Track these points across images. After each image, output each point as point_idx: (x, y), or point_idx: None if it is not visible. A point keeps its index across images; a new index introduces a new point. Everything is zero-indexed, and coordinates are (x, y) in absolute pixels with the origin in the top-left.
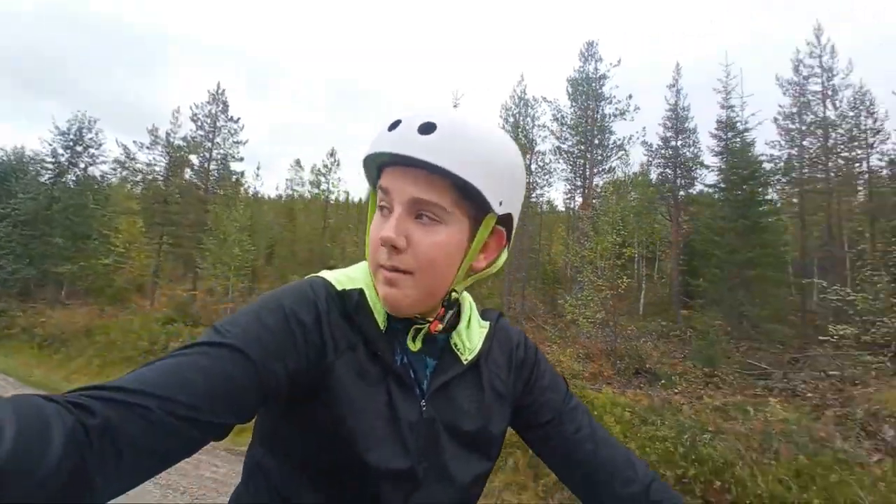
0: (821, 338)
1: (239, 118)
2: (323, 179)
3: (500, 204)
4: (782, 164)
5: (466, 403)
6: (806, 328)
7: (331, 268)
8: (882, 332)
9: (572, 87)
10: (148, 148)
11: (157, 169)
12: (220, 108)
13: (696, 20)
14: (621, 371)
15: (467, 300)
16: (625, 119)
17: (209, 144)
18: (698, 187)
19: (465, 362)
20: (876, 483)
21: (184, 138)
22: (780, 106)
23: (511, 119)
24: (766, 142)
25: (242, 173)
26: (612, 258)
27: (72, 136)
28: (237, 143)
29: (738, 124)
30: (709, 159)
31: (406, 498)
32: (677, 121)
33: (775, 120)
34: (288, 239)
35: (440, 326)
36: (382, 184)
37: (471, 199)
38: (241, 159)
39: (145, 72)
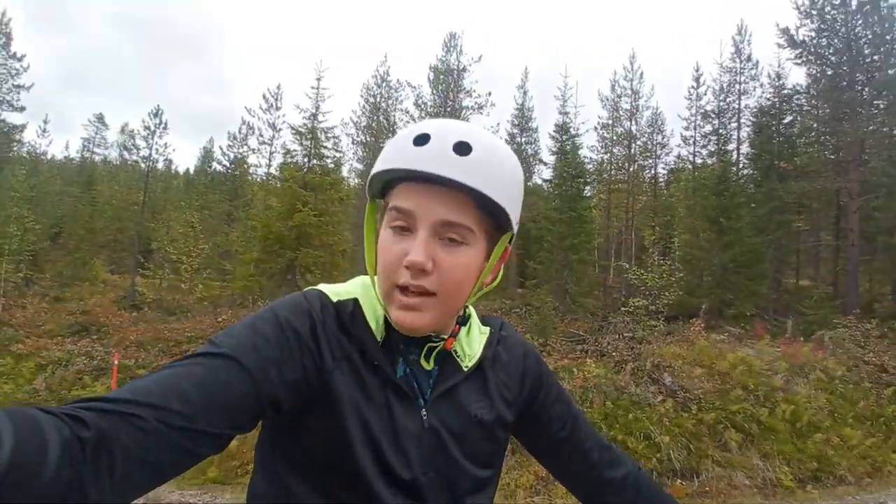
0: (622, 308)
1: (24, 55)
2: (144, 144)
3: (515, 223)
4: (598, 165)
5: (471, 409)
6: (607, 300)
7: (151, 252)
8: (663, 302)
9: (434, 74)
10: None
11: None
12: None
13: (547, 27)
14: None
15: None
16: (482, 113)
17: None
18: (537, 180)
19: (465, 369)
20: (661, 419)
21: None
22: (599, 117)
23: (371, 100)
24: (588, 146)
25: (23, 128)
26: None
27: None
28: (18, 87)
29: (572, 129)
30: (546, 157)
31: (411, 500)
32: (523, 119)
33: (596, 128)
34: (84, 214)
35: (454, 343)
36: (401, 204)
37: (491, 218)
38: (22, 109)
39: None
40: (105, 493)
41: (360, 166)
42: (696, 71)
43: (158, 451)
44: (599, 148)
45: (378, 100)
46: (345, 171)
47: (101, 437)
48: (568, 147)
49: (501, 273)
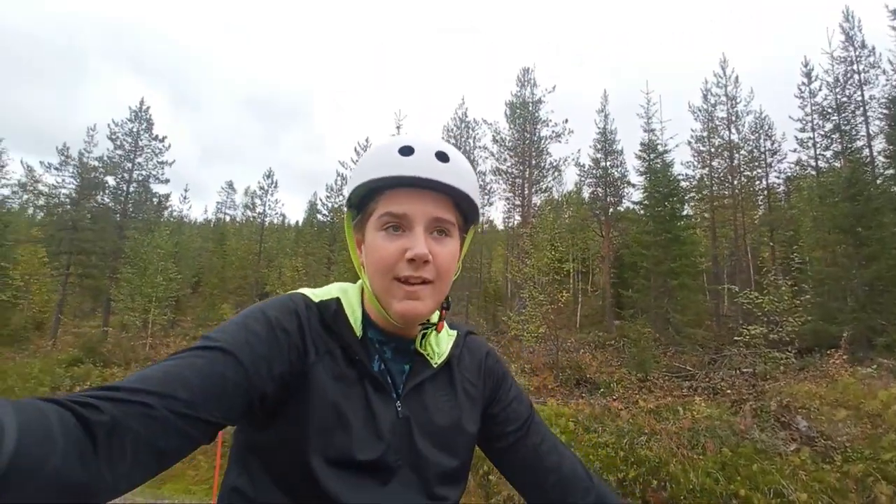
0: (735, 338)
1: (164, 137)
2: (259, 202)
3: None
4: (696, 182)
5: (439, 402)
6: (721, 330)
7: (266, 295)
8: (787, 329)
9: (510, 110)
10: (57, 169)
11: (63, 192)
12: (143, 126)
13: (623, 46)
14: (563, 382)
15: None
16: (560, 141)
17: (129, 165)
18: (626, 204)
19: (434, 365)
20: (795, 471)
21: (99, 158)
22: (692, 130)
23: (452, 140)
24: (682, 162)
25: (167, 196)
26: (550, 273)
27: None
28: (162, 163)
29: (659, 146)
30: (634, 178)
31: (383, 485)
32: (606, 143)
33: (689, 142)
34: (217, 265)
35: (426, 342)
36: (393, 209)
37: (462, 214)
38: (167, 181)
39: (62, 89)
40: (119, 477)
41: None
42: (806, 66)
43: (166, 437)
44: (695, 163)
45: (458, 140)
46: None
47: (115, 424)
48: (657, 165)
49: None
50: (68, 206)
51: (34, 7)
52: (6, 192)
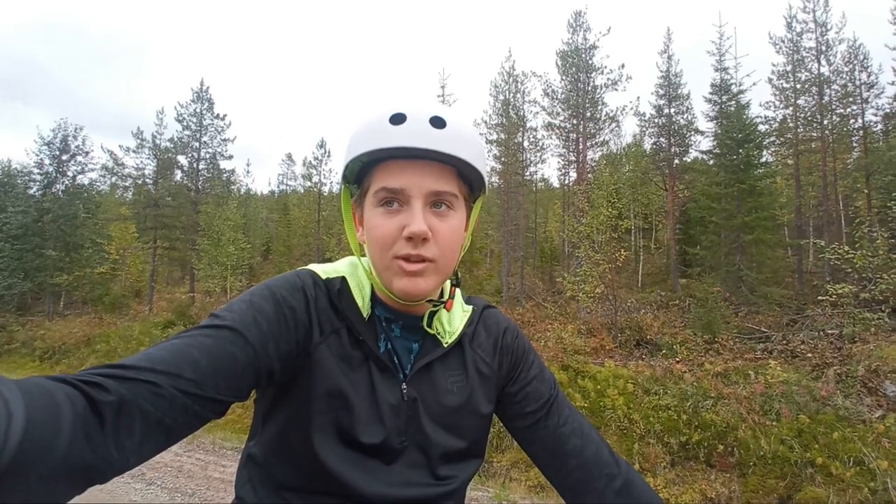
0: (819, 298)
1: (225, 115)
2: (314, 171)
3: (487, 184)
4: (777, 124)
5: (448, 384)
6: (804, 289)
7: (328, 260)
8: (881, 287)
9: (562, 59)
10: (134, 152)
11: (146, 173)
12: (205, 107)
13: None
14: (622, 344)
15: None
16: (616, 90)
17: (196, 144)
18: (693, 154)
19: (445, 345)
20: (879, 439)
21: (170, 140)
22: (773, 65)
23: (501, 97)
24: (760, 103)
25: (233, 171)
26: (608, 231)
27: (57, 146)
28: (225, 140)
29: (733, 86)
30: (703, 125)
31: (387, 465)
32: (670, 88)
33: (769, 80)
34: (283, 234)
35: (435, 320)
36: (389, 184)
37: (465, 184)
38: (231, 157)
39: (132, 74)
40: (127, 453)
41: (497, 165)
42: None
43: (173, 414)
44: (777, 103)
45: (506, 96)
46: None
47: (123, 402)
48: (730, 108)
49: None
50: (149, 186)
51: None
52: (93, 175)
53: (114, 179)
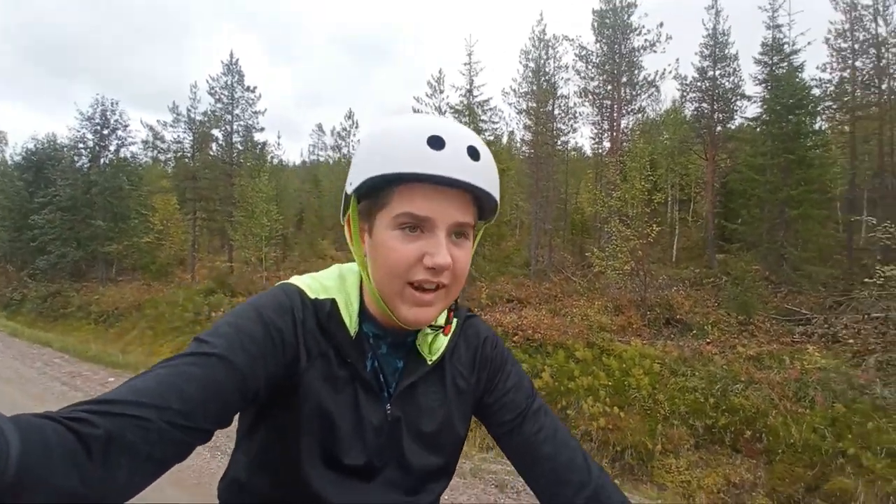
0: (866, 279)
1: (255, 87)
2: (343, 142)
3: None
4: (833, 88)
5: (430, 402)
6: (852, 268)
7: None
8: None
9: (599, 18)
10: (171, 126)
11: (185, 146)
12: (235, 79)
13: None
14: (651, 322)
15: None
16: (655, 51)
17: (229, 117)
18: (738, 121)
19: (429, 363)
20: None
21: (204, 113)
22: (830, 23)
23: (531, 64)
24: (816, 66)
25: (264, 143)
26: (640, 206)
27: (97, 121)
28: (256, 113)
29: (786, 46)
30: (751, 89)
31: (367, 482)
32: (716, 48)
33: (826, 40)
34: (314, 205)
35: (419, 338)
36: (415, 210)
37: (479, 211)
38: (262, 129)
39: (167, 48)
40: (118, 486)
41: (528, 135)
42: None
43: (162, 446)
44: (834, 65)
45: (539, 62)
46: (505, 140)
47: (110, 437)
48: (781, 71)
49: None
50: (187, 159)
51: None
52: (134, 149)
53: (155, 153)
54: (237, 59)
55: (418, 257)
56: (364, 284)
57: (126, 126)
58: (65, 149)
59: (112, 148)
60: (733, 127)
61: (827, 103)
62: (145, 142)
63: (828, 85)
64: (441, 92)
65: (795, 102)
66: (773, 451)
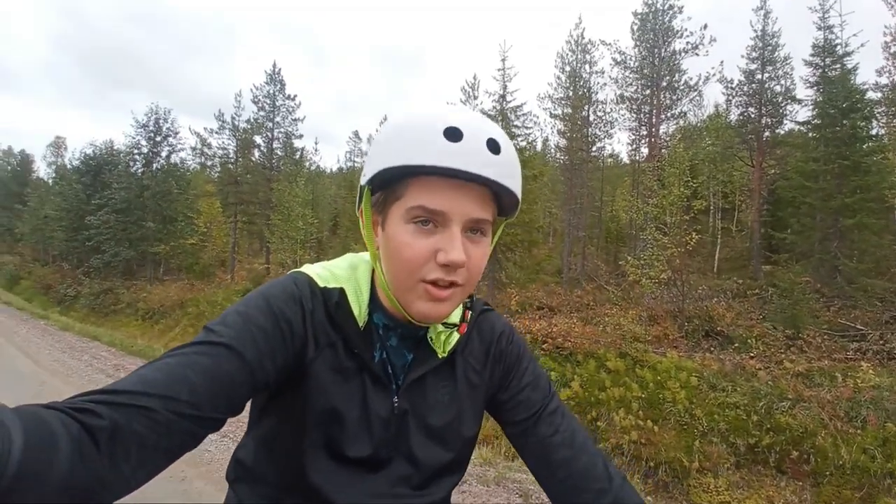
0: None
1: (295, 96)
2: None
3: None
4: (890, 91)
5: (439, 396)
6: None
7: None
8: None
9: (639, 21)
10: (217, 133)
11: (229, 152)
12: (277, 88)
13: None
14: (689, 334)
15: None
16: (697, 54)
17: (270, 124)
18: (788, 126)
19: (440, 357)
20: None
21: (247, 120)
22: (885, 27)
23: (567, 68)
24: (874, 67)
25: (302, 149)
26: (679, 213)
27: (151, 128)
28: (295, 120)
29: (838, 48)
30: (802, 92)
31: (373, 476)
32: (764, 49)
33: (884, 43)
34: (349, 210)
35: (430, 330)
36: (429, 204)
37: (499, 206)
38: (301, 136)
39: (216, 59)
40: (125, 476)
41: (563, 141)
42: None
43: (169, 437)
44: (892, 67)
45: (575, 66)
46: (539, 146)
47: (117, 428)
48: (833, 73)
49: None
50: (230, 165)
51: None
52: (183, 154)
53: (202, 159)
54: (279, 69)
55: (431, 253)
56: (376, 276)
57: (177, 133)
58: (121, 154)
59: (164, 154)
60: (782, 132)
61: (882, 108)
62: (193, 148)
63: (885, 89)
64: (475, 98)
65: (850, 106)
66: (821, 473)
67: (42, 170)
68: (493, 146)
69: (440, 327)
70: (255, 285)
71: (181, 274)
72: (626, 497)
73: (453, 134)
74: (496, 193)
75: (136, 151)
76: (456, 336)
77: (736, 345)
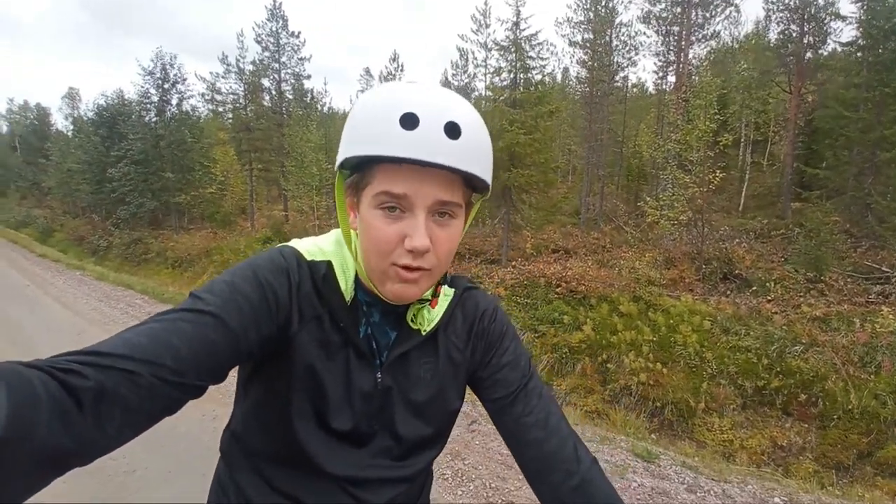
0: None
1: (299, 32)
2: None
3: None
4: None
5: (422, 373)
6: None
7: None
8: None
9: None
10: (223, 77)
11: (239, 97)
12: (280, 25)
13: None
14: (706, 276)
15: None
16: None
17: (276, 65)
18: (831, 46)
19: (423, 333)
20: None
21: (252, 62)
22: None
23: None
24: None
25: (312, 91)
26: (703, 149)
27: (158, 76)
28: (302, 59)
29: None
30: (846, 8)
31: (357, 448)
32: None
33: None
34: None
35: (412, 308)
36: (393, 189)
37: (471, 189)
38: (309, 77)
39: None
40: (108, 437)
41: (583, 72)
42: None
43: (152, 401)
44: None
45: None
46: (559, 78)
47: (101, 389)
48: None
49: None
50: (241, 111)
51: None
52: (193, 101)
53: (214, 105)
54: (280, 3)
55: (399, 238)
56: (354, 255)
57: (185, 79)
58: (133, 104)
59: (174, 102)
60: (826, 53)
61: None
62: (203, 94)
63: None
64: (487, 27)
65: (892, 27)
66: (828, 417)
67: (59, 122)
68: (452, 130)
69: (425, 307)
70: (274, 233)
71: (204, 223)
72: (593, 479)
73: (409, 121)
74: (467, 178)
75: (146, 101)
76: (436, 313)
77: (754, 288)
